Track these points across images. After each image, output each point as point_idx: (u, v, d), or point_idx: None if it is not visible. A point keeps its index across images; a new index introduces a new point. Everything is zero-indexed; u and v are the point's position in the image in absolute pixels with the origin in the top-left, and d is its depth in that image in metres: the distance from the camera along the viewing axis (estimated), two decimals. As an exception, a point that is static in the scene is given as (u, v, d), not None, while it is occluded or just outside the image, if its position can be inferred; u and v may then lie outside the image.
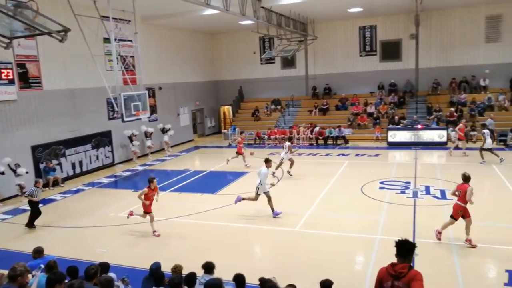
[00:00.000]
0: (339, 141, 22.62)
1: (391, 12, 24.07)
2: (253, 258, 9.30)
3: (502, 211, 10.96)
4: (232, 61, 29.27)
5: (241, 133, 20.30)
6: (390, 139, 21.59)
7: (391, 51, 25.51)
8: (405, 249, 4.31)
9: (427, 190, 13.22)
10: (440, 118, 22.56)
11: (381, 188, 13.82)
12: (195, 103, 27.55)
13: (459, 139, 18.42)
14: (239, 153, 18.02)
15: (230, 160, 17.93)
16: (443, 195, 12.56)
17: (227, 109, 30.87)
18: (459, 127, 18.32)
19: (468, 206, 8.77)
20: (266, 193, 11.33)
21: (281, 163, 15.95)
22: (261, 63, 28.46)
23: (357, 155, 19.45)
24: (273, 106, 27.70)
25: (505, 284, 7.27)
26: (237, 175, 16.62)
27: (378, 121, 23.68)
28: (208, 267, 6.04)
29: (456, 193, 9.03)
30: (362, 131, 23.65)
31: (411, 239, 9.45)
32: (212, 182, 16.03)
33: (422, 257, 8.23)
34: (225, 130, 27.35)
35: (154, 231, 10.42)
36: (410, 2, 19.97)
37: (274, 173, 15.68)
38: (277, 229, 10.57)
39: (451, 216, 8.97)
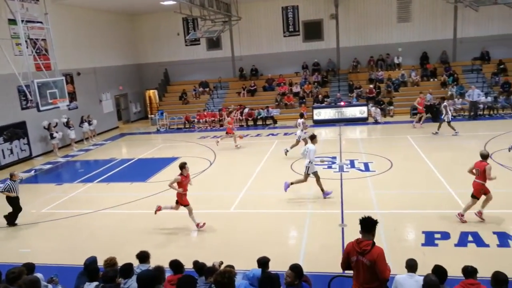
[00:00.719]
0: (268, 122, 23.05)
1: (311, -8, 24.70)
2: (190, 242, 9.25)
3: (417, 179, 11.98)
4: (155, 43, 28.21)
5: (230, 112, 19.86)
6: (315, 117, 22.43)
7: (313, 31, 26.25)
8: (367, 225, 4.80)
9: (352, 164, 14.03)
10: (361, 94, 23.88)
11: (309, 164, 14.36)
12: (118, 88, 26.27)
13: (418, 112, 19.48)
14: (228, 133, 17.59)
15: (219, 141, 17.56)
16: (367, 168, 13.43)
17: (152, 93, 29.87)
18: (417, 101, 19.26)
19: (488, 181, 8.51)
20: (315, 173, 10.75)
21: (298, 142, 15.48)
22: (186, 45, 27.80)
23: (285, 134, 19.97)
24: (201, 89, 27.33)
25: (422, 244, 8.04)
26: (168, 161, 16.27)
27: (303, 100, 24.44)
28: (143, 256, 5.89)
29: (474, 171, 8.64)
30: (289, 111, 24.26)
31: (339, 211, 10.01)
32: (142, 170, 15.52)
33: (350, 227, 8.79)
34: (152, 115, 26.52)
35: (197, 224, 9.45)
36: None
37: (287, 150, 15.24)
38: (213, 211, 10.61)
39: (473, 196, 8.63)
